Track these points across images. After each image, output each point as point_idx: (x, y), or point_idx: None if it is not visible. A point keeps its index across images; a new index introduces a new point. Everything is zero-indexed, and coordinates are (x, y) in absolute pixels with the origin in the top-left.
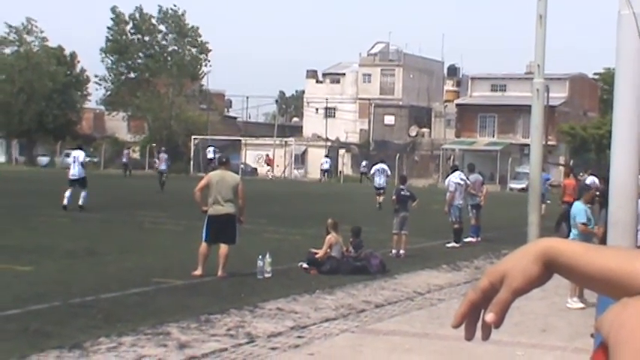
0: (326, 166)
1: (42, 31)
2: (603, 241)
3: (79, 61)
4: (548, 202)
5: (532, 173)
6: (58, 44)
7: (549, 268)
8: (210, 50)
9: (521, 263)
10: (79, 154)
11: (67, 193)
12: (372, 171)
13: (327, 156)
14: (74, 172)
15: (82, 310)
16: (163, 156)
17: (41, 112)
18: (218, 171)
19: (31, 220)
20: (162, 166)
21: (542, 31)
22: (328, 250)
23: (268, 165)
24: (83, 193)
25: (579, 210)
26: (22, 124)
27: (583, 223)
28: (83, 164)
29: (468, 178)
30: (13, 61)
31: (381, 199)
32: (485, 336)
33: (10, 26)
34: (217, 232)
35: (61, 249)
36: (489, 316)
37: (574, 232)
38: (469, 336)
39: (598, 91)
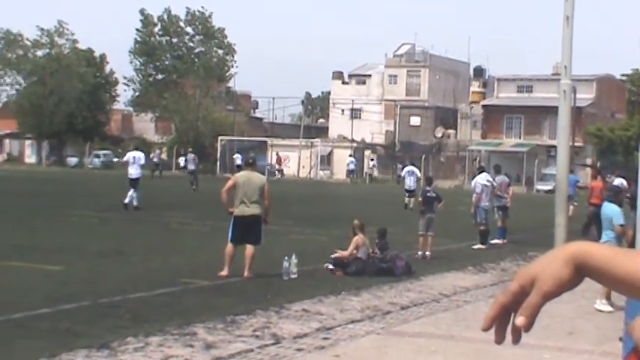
0: (351, 167)
1: (73, 34)
2: (632, 243)
3: (108, 63)
4: (576, 203)
5: (559, 175)
6: (88, 46)
7: (580, 271)
8: (236, 51)
9: (552, 267)
10: (140, 155)
11: (131, 192)
12: (402, 173)
13: (351, 156)
14: (135, 172)
15: (110, 310)
16: (191, 156)
17: (71, 114)
18: (244, 172)
19: (61, 221)
20: (191, 166)
21: (569, 31)
22: (355, 252)
23: (279, 164)
24: (137, 194)
25: (616, 212)
26: (53, 126)
27: (621, 225)
28: (142, 165)
29: (494, 180)
30: (45, 63)
31: (410, 200)
32: (516, 339)
33: (42, 29)
34: (243, 233)
35: (90, 249)
36: (520, 320)
37: (609, 234)
38: (499, 339)
39: (626, 93)
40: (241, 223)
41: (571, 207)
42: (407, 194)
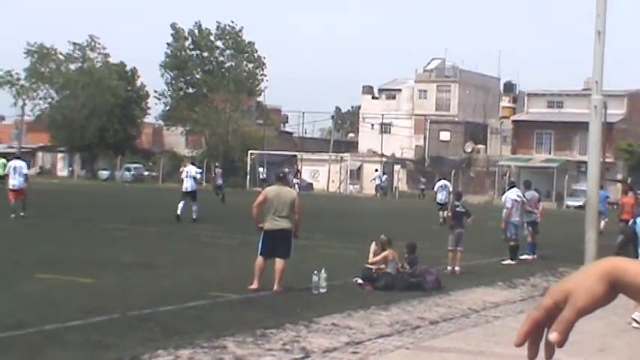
0: (378, 182)
1: (104, 48)
2: None
3: (139, 77)
4: (607, 219)
5: (589, 190)
6: (120, 60)
7: (614, 287)
8: (266, 65)
9: (586, 283)
10: (192, 169)
11: (181, 205)
12: (435, 188)
13: (377, 170)
14: (187, 185)
15: (140, 322)
16: (219, 171)
17: (102, 127)
18: (274, 186)
19: (92, 233)
20: (219, 181)
21: (600, 47)
22: (383, 266)
23: (296, 177)
24: (194, 207)
25: None
26: (84, 139)
27: None
28: (195, 178)
29: (524, 195)
30: (77, 76)
31: (445, 214)
32: (549, 355)
33: (75, 43)
34: (273, 247)
35: (120, 262)
36: (553, 336)
37: None
38: (532, 355)
39: None
40: (271, 237)
41: (602, 222)
42: (439, 208)
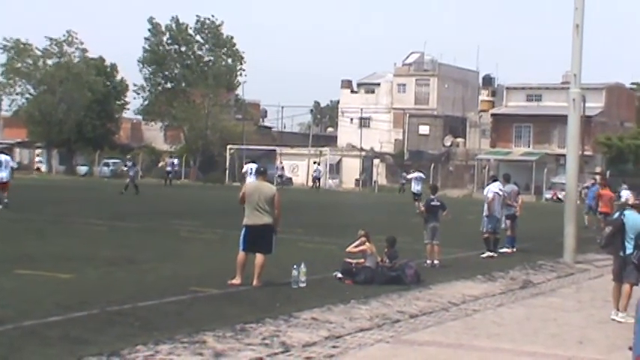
0: (315, 174)
1: (82, 43)
2: None
3: (117, 72)
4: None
5: (568, 184)
6: (99, 55)
7: None
8: (245, 60)
9: None
10: (255, 166)
11: None
12: (409, 176)
13: (315, 163)
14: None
15: (120, 317)
16: (130, 164)
17: (80, 122)
18: (254, 182)
19: (71, 229)
20: (131, 173)
21: (578, 40)
22: (362, 260)
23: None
24: None
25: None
26: (62, 134)
27: None
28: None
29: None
30: (54, 71)
31: (419, 204)
32: None
33: (51, 39)
34: (254, 242)
35: (101, 257)
36: None
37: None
38: None
39: (635, 101)
40: (253, 232)
41: (586, 217)
42: (415, 198)
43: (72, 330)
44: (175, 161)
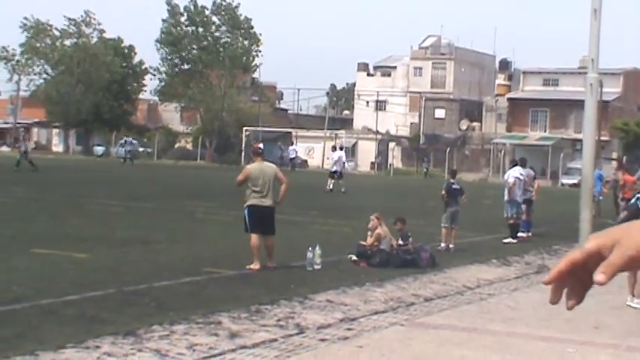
0: (292, 155)
1: (100, 24)
2: None
3: (136, 53)
4: (601, 197)
5: (584, 169)
6: (117, 36)
7: None
8: (262, 42)
9: (637, 236)
10: (342, 155)
11: (331, 182)
12: (331, 157)
13: (292, 144)
14: (337, 168)
15: (135, 297)
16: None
17: (98, 103)
18: (256, 164)
19: (88, 209)
20: (23, 148)
21: (596, 24)
22: (376, 243)
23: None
24: (341, 182)
25: None
26: (80, 115)
27: None
28: (343, 162)
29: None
30: (72, 52)
31: (331, 182)
32: (571, 305)
33: (70, 19)
34: (260, 223)
35: (116, 237)
36: (600, 277)
37: None
38: (555, 299)
39: None
40: (258, 213)
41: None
42: (331, 175)
43: (88, 309)
44: (134, 141)
